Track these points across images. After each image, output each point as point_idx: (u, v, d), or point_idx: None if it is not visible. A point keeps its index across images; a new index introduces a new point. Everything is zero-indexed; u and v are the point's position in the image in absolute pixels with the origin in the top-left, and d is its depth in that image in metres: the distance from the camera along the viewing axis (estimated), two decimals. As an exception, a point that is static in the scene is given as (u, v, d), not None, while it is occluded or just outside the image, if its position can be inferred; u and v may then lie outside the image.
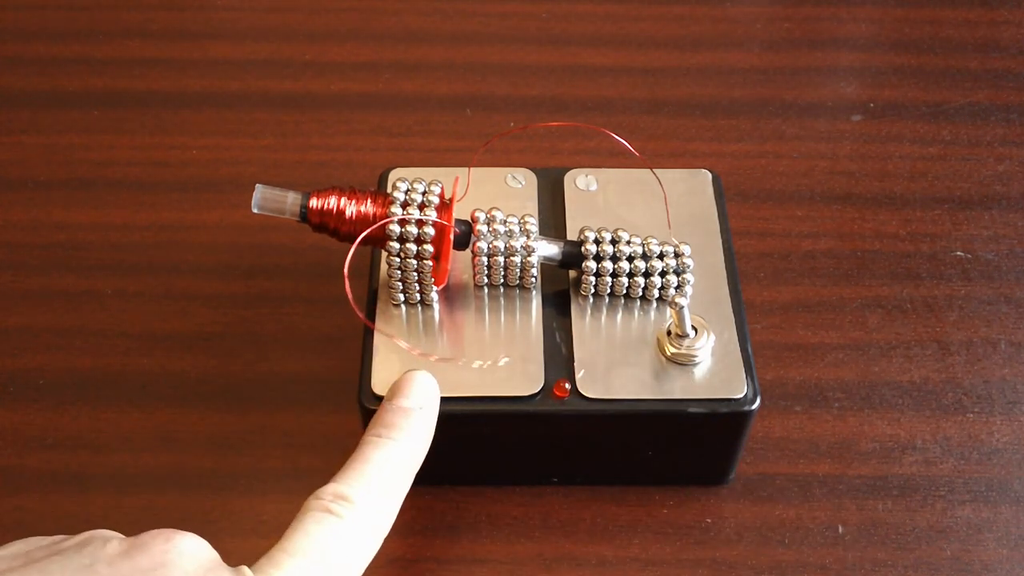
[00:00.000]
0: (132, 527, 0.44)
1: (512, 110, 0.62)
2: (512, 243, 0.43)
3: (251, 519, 0.45)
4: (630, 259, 0.43)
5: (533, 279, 0.44)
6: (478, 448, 0.44)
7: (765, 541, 0.45)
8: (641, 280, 0.43)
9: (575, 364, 0.42)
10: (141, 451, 0.47)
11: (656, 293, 0.44)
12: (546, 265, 0.44)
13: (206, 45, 0.66)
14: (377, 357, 0.42)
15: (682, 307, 0.41)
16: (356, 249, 0.41)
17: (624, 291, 0.44)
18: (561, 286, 0.45)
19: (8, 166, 0.59)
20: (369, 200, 0.42)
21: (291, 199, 0.42)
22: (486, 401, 0.41)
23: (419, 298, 0.44)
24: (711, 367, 0.42)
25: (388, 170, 0.49)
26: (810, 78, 0.65)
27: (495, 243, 0.43)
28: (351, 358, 0.45)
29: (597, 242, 0.43)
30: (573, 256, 0.44)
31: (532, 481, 0.46)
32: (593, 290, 0.44)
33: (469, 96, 0.63)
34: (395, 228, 0.41)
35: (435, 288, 0.43)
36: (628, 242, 0.43)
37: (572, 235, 0.46)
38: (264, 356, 0.50)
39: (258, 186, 0.42)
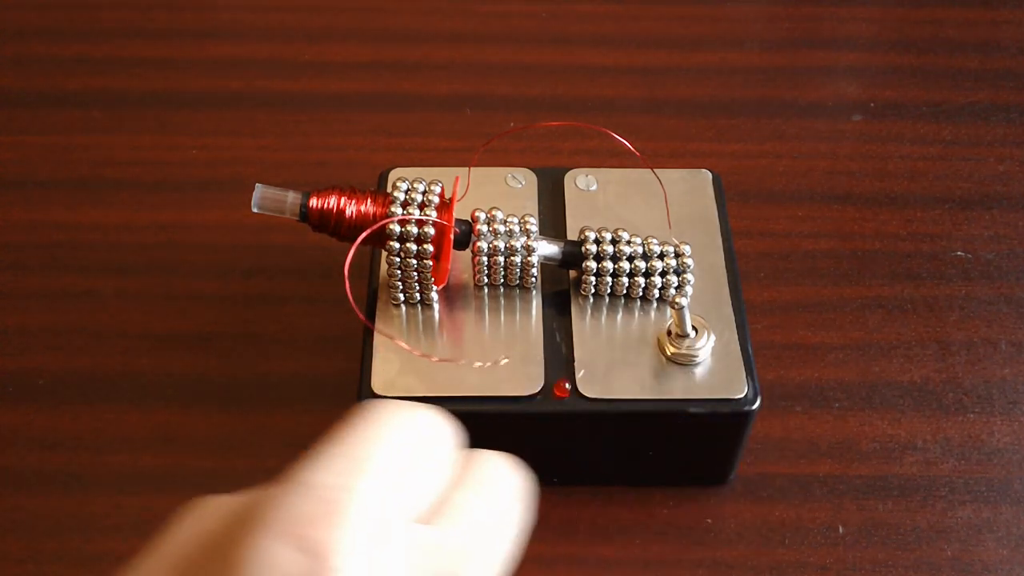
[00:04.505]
0: (132, 527, 0.45)
1: (512, 110, 0.62)
2: (512, 243, 0.43)
3: (251, 519, 0.45)
4: (630, 259, 0.43)
5: (533, 279, 0.44)
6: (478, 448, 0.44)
7: (765, 541, 0.45)
8: (641, 280, 0.43)
9: (575, 364, 0.42)
10: (141, 451, 0.47)
11: (656, 293, 0.44)
12: (546, 265, 0.44)
13: (206, 45, 0.66)
14: (377, 357, 0.42)
15: (682, 307, 0.41)
16: (356, 249, 0.41)
17: (624, 291, 0.44)
18: (561, 286, 0.45)
19: (8, 166, 0.59)
20: (369, 200, 0.42)
21: (291, 199, 0.42)
22: (486, 401, 0.41)
23: (419, 298, 0.44)
24: (711, 367, 0.42)
25: (388, 170, 0.49)
26: (810, 78, 0.65)
27: (495, 243, 0.43)
28: (351, 358, 0.45)
29: (597, 242, 0.43)
30: (573, 256, 0.44)
31: (532, 481, 0.46)
32: (593, 290, 0.44)
33: (469, 96, 0.63)
34: (395, 228, 0.41)
35: (435, 288, 0.43)
36: (628, 242, 0.43)
37: (572, 235, 0.46)
38: (264, 356, 0.50)
39: (258, 186, 0.42)
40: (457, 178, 0.44)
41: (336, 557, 0.22)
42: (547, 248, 0.44)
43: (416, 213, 0.41)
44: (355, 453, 0.25)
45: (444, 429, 0.28)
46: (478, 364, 0.42)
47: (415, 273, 0.42)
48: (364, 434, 0.25)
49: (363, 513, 0.23)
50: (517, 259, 0.43)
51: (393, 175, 0.48)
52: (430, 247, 0.41)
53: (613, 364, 0.42)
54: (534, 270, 0.44)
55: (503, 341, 0.43)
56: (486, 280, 0.44)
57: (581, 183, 0.49)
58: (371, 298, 0.44)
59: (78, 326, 0.51)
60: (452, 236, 0.42)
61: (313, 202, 0.42)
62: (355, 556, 0.23)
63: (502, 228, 0.43)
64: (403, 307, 0.44)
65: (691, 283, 0.44)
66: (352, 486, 0.24)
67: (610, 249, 0.43)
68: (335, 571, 0.22)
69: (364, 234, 0.41)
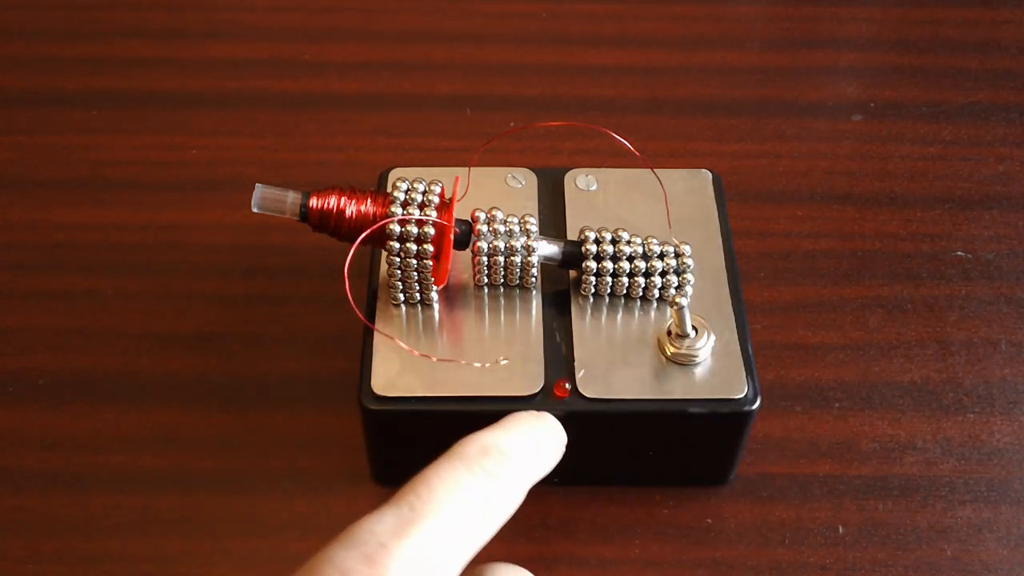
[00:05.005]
0: (132, 527, 0.45)
1: (512, 110, 0.62)
2: (512, 243, 0.43)
3: (251, 519, 0.45)
4: (630, 259, 0.43)
5: (533, 279, 0.44)
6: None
7: (765, 541, 0.45)
8: (641, 280, 0.43)
9: (575, 364, 0.42)
10: (141, 451, 0.47)
11: (656, 293, 0.44)
12: (546, 265, 0.44)
13: (206, 45, 0.66)
14: (377, 357, 0.42)
15: (682, 307, 0.41)
16: (356, 249, 0.41)
17: (624, 291, 0.44)
18: (561, 286, 0.45)
19: (8, 166, 0.59)
20: (369, 200, 0.42)
21: (291, 199, 0.42)
22: (486, 401, 0.41)
23: (419, 298, 0.44)
24: (711, 367, 0.42)
25: (388, 170, 0.49)
26: (810, 78, 0.65)
27: (495, 243, 0.43)
28: (351, 358, 0.45)
29: (597, 242, 0.43)
30: (573, 256, 0.44)
31: None
32: (593, 290, 0.44)
33: (469, 96, 0.63)
34: (395, 228, 0.41)
35: (435, 288, 0.43)
36: (628, 242, 0.43)
37: (572, 235, 0.46)
38: (264, 356, 0.50)
39: (258, 186, 0.42)
40: (457, 178, 0.44)
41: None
42: (547, 248, 0.44)
43: (416, 213, 0.41)
44: (423, 507, 0.29)
45: (510, 504, 0.32)
46: (478, 364, 0.42)
47: (415, 273, 0.42)
48: (442, 487, 0.30)
49: (412, 562, 0.28)
50: (517, 259, 0.43)
51: (393, 175, 0.48)
52: (430, 247, 0.41)
53: (613, 364, 0.42)
54: (534, 270, 0.44)
55: (503, 341, 0.43)
56: (486, 280, 0.44)
57: (581, 183, 0.49)
58: (371, 298, 0.44)
59: (78, 326, 0.51)
60: (452, 236, 0.42)
61: (313, 202, 0.42)
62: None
63: (502, 228, 0.43)
64: (403, 307, 0.44)
65: (691, 283, 0.44)
66: (411, 530, 0.29)
67: (610, 249, 0.43)
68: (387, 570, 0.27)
69: (364, 234, 0.41)
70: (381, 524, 0.29)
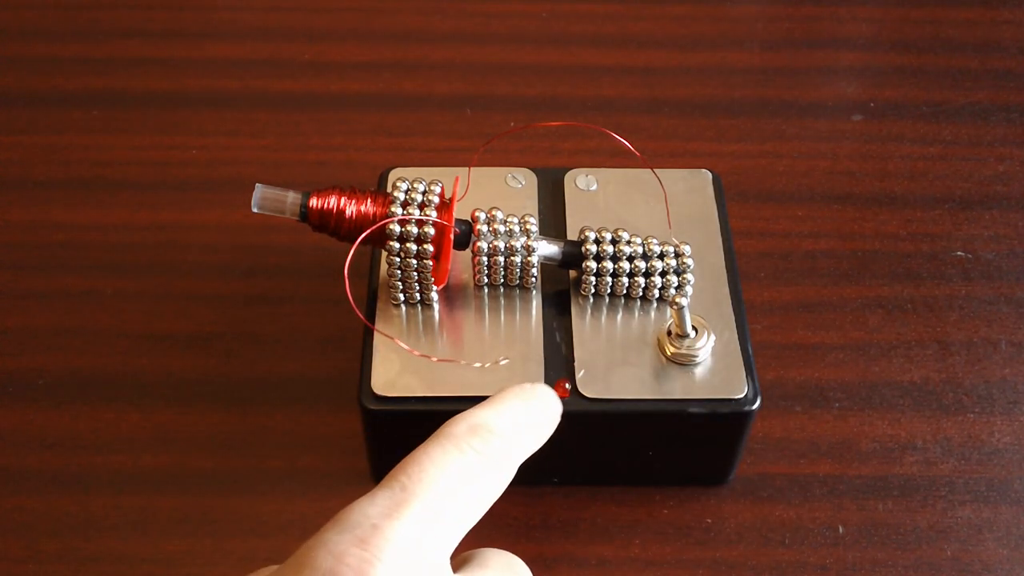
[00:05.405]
0: (132, 527, 0.45)
1: (512, 110, 0.62)
2: (512, 243, 0.43)
3: (251, 519, 0.45)
4: (630, 259, 0.43)
5: (533, 279, 0.44)
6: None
7: (765, 541, 0.45)
8: (641, 280, 0.43)
9: (575, 364, 0.42)
10: (141, 451, 0.47)
11: (656, 293, 0.44)
12: (546, 265, 0.44)
13: (206, 45, 0.66)
14: (377, 357, 0.42)
15: (682, 307, 0.41)
16: (356, 249, 0.41)
17: (624, 291, 0.44)
18: (561, 286, 0.45)
19: (8, 166, 0.59)
20: (369, 200, 0.42)
21: (291, 199, 0.42)
22: (486, 401, 0.41)
23: (419, 298, 0.44)
24: (711, 367, 0.42)
25: (388, 170, 0.49)
26: (810, 78, 0.65)
27: (495, 243, 0.43)
28: (351, 358, 0.45)
29: (597, 242, 0.43)
30: (573, 256, 0.44)
31: (532, 481, 0.46)
32: (593, 290, 0.44)
33: (469, 96, 0.63)
34: (395, 228, 0.41)
35: (435, 288, 0.43)
36: (628, 242, 0.43)
37: (572, 235, 0.46)
38: (264, 356, 0.50)
39: (258, 186, 0.42)
40: (457, 178, 0.44)
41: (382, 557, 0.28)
42: (547, 248, 0.44)
43: (416, 213, 0.41)
44: (413, 487, 0.30)
45: (499, 484, 0.32)
46: (478, 364, 0.42)
47: (415, 273, 0.42)
48: (432, 467, 0.31)
49: (405, 541, 0.28)
50: (517, 259, 0.43)
51: (393, 175, 0.48)
52: (430, 247, 0.41)
53: (613, 364, 0.42)
54: (534, 270, 0.44)
55: (503, 341, 0.43)
56: (486, 280, 0.44)
57: (581, 183, 0.49)
58: (371, 298, 0.44)
59: (78, 326, 0.51)
60: (452, 236, 0.42)
61: (313, 202, 0.42)
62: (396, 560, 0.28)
63: (502, 228, 0.43)
64: (403, 307, 0.44)
65: (691, 283, 0.44)
66: (401, 513, 0.29)
67: (610, 249, 0.43)
68: (380, 562, 0.27)
69: (364, 234, 0.41)
70: (374, 506, 0.29)
